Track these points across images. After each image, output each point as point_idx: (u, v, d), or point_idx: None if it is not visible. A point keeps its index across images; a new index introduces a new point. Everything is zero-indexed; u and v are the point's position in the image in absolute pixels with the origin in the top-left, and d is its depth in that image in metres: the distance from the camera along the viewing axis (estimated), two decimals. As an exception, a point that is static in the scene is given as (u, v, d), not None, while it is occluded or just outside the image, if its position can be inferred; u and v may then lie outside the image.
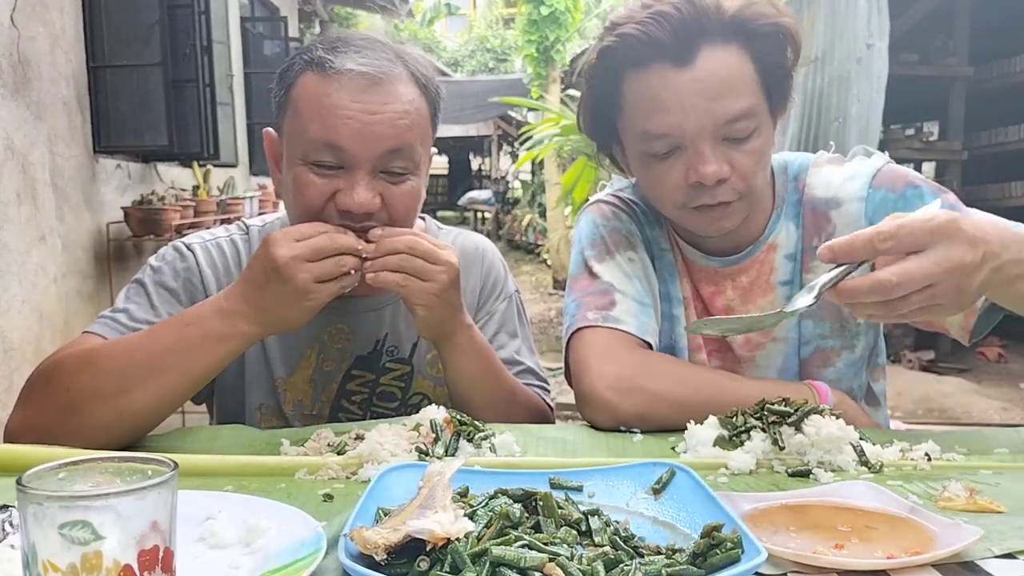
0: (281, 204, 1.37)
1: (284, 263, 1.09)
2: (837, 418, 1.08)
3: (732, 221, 1.27)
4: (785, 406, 1.08)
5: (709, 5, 1.19)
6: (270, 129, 1.31)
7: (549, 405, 1.43)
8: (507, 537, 0.71)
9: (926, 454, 1.03)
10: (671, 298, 1.40)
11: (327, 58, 1.20)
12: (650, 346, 1.31)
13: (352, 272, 1.14)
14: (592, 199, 1.49)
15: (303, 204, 1.22)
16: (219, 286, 1.34)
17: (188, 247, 1.36)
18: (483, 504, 0.80)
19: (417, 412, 1.38)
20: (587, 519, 0.79)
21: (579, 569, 0.66)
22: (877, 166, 1.34)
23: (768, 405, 1.09)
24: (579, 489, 0.90)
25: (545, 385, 1.47)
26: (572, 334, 1.32)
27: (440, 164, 25.88)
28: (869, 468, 1.00)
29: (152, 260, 1.36)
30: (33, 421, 1.12)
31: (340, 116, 1.17)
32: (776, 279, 1.37)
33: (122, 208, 4.76)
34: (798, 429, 1.05)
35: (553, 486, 0.90)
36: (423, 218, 1.53)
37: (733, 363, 1.39)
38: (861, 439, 1.05)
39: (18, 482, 0.54)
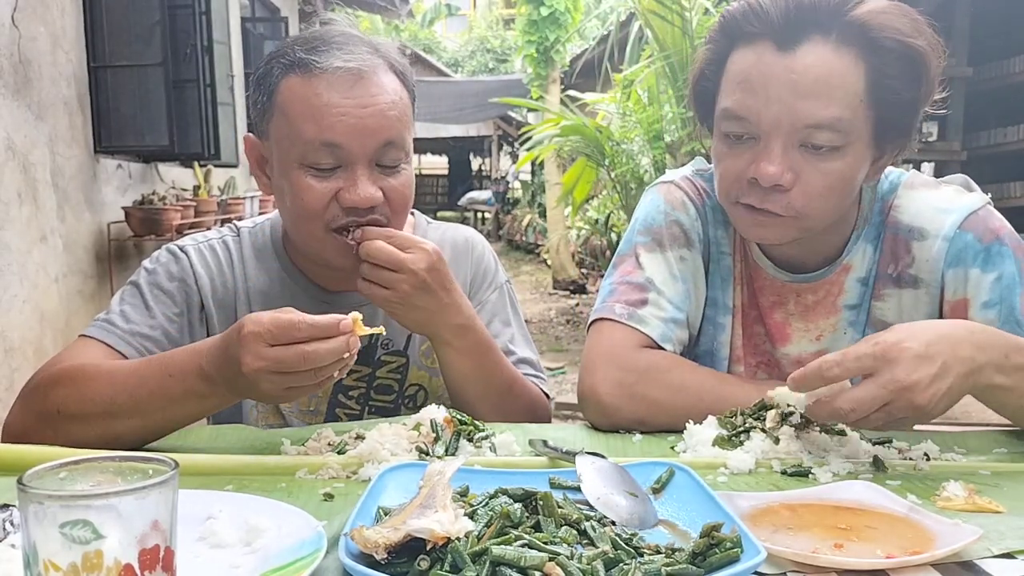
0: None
1: (248, 372, 0.99)
2: (836, 423, 1.08)
3: (775, 235, 1.19)
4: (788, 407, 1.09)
5: None
6: (250, 135, 1.30)
7: (546, 394, 1.43)
8: (507, 536, 0.71)
9: (925, 454, 1.03)
10: (719, 304, 1.35)
11: (310, 59, 1.19)
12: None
13: (336, 374, 1.02)
14: (668, 175, 1.41)
15: (305, 208, 1.21)
16: (212, 288, 1.34)
17: (182, 249, 1.36)
18: (483, 504, 0.81)
19: (414, 403, 1.40)
20: (586, 519, 0.79)
21: (579, 568, 0.66)
22: (974, 207, 1.23)
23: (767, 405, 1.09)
24: (579, 489, 0.90)
25: (540, 375, 1.46)
26: (595, 321, 1.30)
27: (440, 164, 25.89)
28: (877, 468, 1.00)
29: (146, 263, 1.36)
30: (27, 427, 1.14)
31: (334, 114, 1.18)
32: (843, 302, 1.30)
33: (123, 208, 4.77)
34: (799, 430, 1.05)
35: (553, 486, 0.90)
36: (412, 213, 1.50)
37: (780, 380, 1.34)
38: (861, 439, 1.06)
39: (19, 481, 0.55)
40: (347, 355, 1.00)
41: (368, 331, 1.02)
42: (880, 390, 0.94)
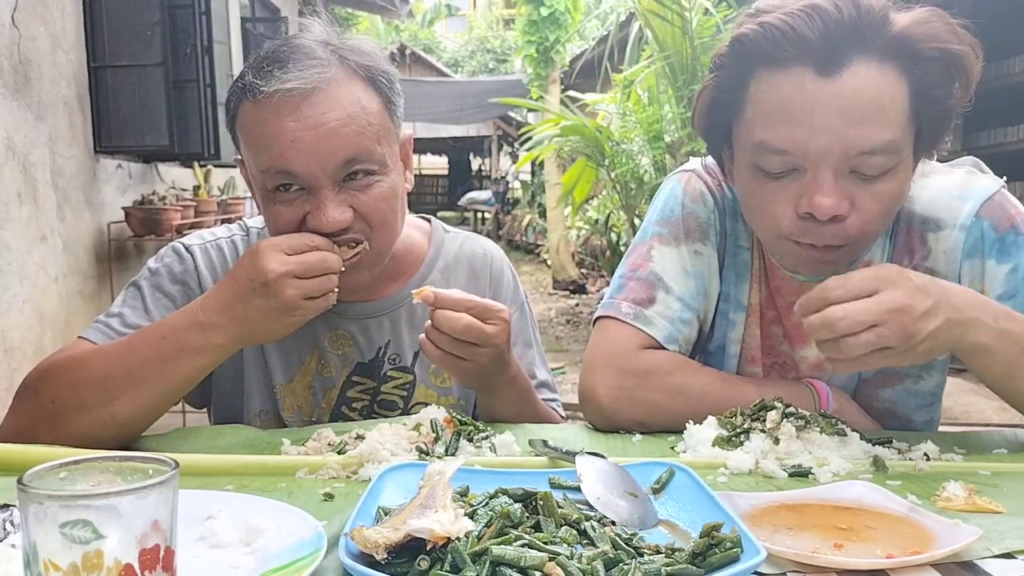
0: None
1: (274, 278, 1.05)
2: (837, 423, 1.08)
3: (837, 266, 1.13)
4: (786, 408, 1.09)
5: (876, 13, 1.02)
6: (238, 157, 1.28)
7: (562, 416, 1.43)
8: (507, 536, 0.71)
9: (925, 454, 1.03)
10: (732, 300, 1.31)
11: (255, 83, 1.14)
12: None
13: (334, 291, 1.13)
14: (690, 164, 1.36)
15: (278, 232, 1.19)
16: None
17: (187, 248, 1.35)
18: (483, 503, 0.81)
19: None
20: (586, 519, 0.79)
21: (579, 568, 0.66)
22: (989, 191, 1.19)
23: (766, 405, 1.09)
24: (579, 489, 0.90)
25: (557, 397, 1.46)
26: (600, 318, 1.29)
27: (440, 164, 25.89)
28: (877, 468, 1.00)
29: (151, 262, 1.35)
30: (22, 429, 1.13)
31: (283, 141, 1.13)
32: None
33: (123, 208, 4.77)
34: (799, 431, 1.05)
35: (553, 486, 0.90)
36: (428, 219, 1.50)
37: (796, 380, 1.29)
38: (861, 439, 1.06)
39: (19, 481, 0.55)
40: (341, 269, 1.12)
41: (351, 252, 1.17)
42: (876, 306, 0.95)
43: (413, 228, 1.44)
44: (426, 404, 1.38)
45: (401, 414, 1.37)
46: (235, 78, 1.21)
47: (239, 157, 1.26)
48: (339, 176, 1.16)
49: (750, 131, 1.10)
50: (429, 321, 1.13)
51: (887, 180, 1.07)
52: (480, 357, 1.14)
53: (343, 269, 1.13)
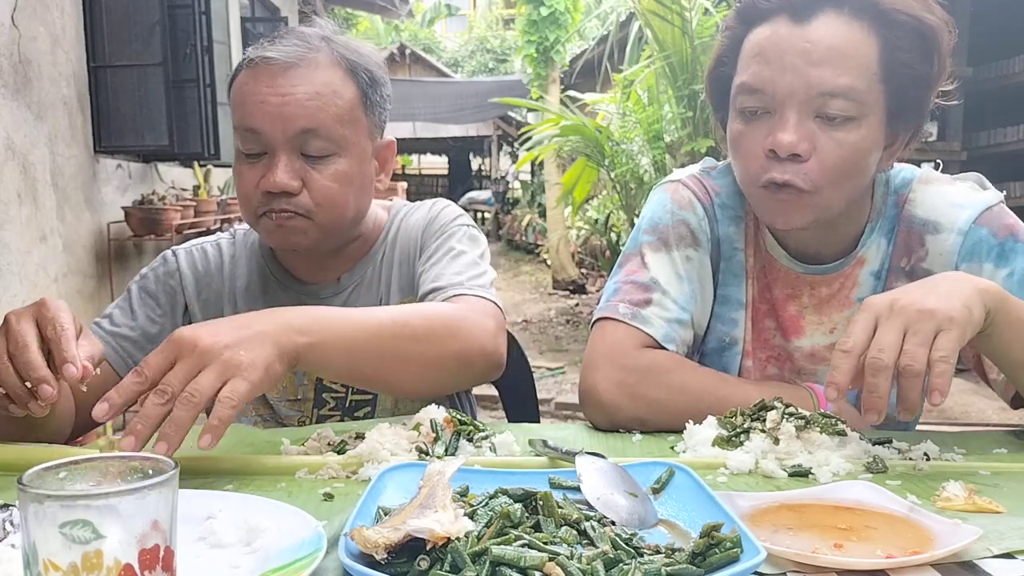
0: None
1: None
2: (837, 423, 1.08)
3: (798, 217, 1.18)
4: (786, 408, 1.09)
5: None
6: None
7: (498, 306, 1.29)
8: (507, 536, 0.71)
9: (925, 454, 1.03)
10: (732, 301, 1.34)
11: (250, 55, 1.28)
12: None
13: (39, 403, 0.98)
14: (676, 175, 1.41)
15: (240, 193, 1.31)
16: (197, 289, 1.42)
17: (174, 253, 1.45)
18: (483, 503, 0.81)
19: None
20: (586, 519, 0.79)
21: (579, 568, 0.66)
22: (989, 202, 1.25)
23: (766, 405, 1.09)
24: (579, 489, 0.90)
25: (473, 292, 1.28)
26: (598, 320, 1.30)
27: (440, 164, 25.90)
28: (869, 469, 1.00)
29: (144, 268, 1.45)
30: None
31: (254, 101, 1.25)
32: (856, 295, 1.30)
33: (123, 208, 4.77)
34: (799, 431, 1.05)
35: (553, 486, 0.90)
36: (392, 200, 1.54)
37: (792, 373, 1.34)
38: (861, 439, 1.06)
39: (19, 481, 0.55)
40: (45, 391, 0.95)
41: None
42: (892, 318, 0.94)
43: (380, 209, 1.49)
44: None
45: None
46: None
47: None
48: (295, 144, 1.25)
49: (736, 79, 1.21)
50: None
51: (850, 130, 1.14)
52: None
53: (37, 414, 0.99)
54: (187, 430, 0.90)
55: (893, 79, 1.14)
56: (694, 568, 0.68)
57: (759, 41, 1.17)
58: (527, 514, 0.78)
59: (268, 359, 0.96)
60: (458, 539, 0.68)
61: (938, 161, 1.38)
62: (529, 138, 8.38)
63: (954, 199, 1.26)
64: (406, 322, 1.14)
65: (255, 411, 1.41)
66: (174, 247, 1.46)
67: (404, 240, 1.43)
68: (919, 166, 1.38)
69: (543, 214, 12.96)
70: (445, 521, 0.69)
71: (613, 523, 0.80)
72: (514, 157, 16.84)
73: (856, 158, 1.16)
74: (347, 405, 1.41)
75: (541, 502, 0.79)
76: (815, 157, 1.14)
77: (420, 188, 23.75)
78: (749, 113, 1.18)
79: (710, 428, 1.09)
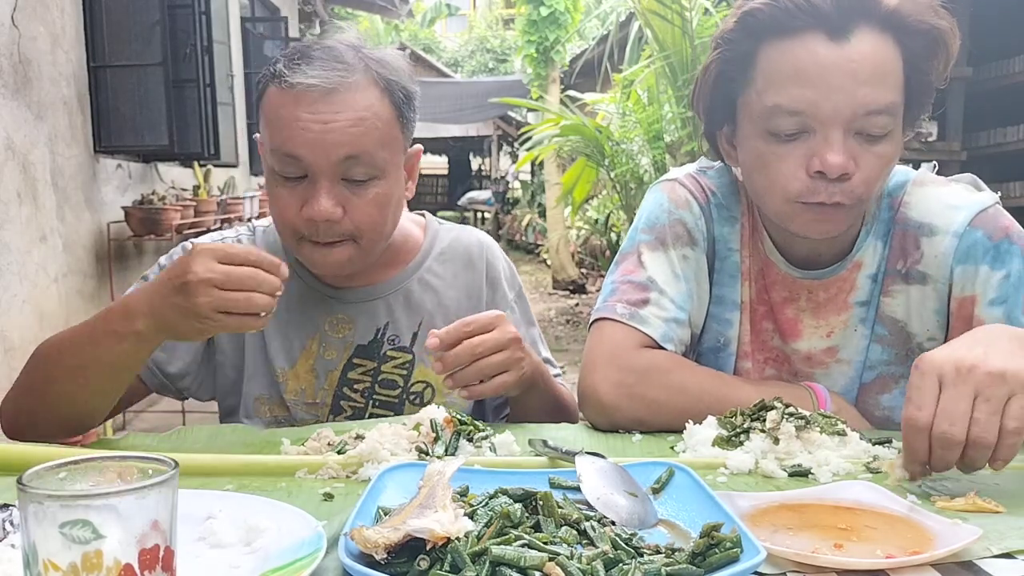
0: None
1: (193, 280, 1.04)
2: (837, 423, 1.08)
3: (838, 227, 1.19)
4: (786, 407, 1.09)
5: None
6: (258, 135, 1.34)
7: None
8: (507, 537, 0.71)
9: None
10: (727, 302, 1.34)
11: (284, 72, 1.23)
12: None
13: (262, 315, 1.08)
14: (672, 173, 1.40)
15: (277, 214, 1.29)
16: None
17: (192, 243, 1.39)
18: (483, 503, 0.81)
19: (420, 399, 1.42)
20: (586, 519, 0.79)
21: (579, 568, 0.66)
22: (984, 204, 1.24)
23: (766, 405, 1.09)
24: (579, 489, 0.90)
25: (560, 371, 1.51)
26: (596, 320, 1.31)
27: (440, 164, 25.87)
28: (869, 469, 1.00)
29: (162, 258, 1.42)
30: (14, 398, 1.25)
31: (295, 128, 1.22)
32: (854, 298, 1.29)
33: (123, 208, 4.76)
34: (799, 431, 1.05)
35: (553, 486, 0.90)
36: (423, 215, 1.55)
37: (789, 375, 1.33)
38: (861, 439, 1.06)
39: (18, 481, 0.55)
40: (277, 294, 1.07)
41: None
42: (960, 384, 0.88)
43: (409, 221, 1.50)
44: (425, 382, 1.42)
45: (401, 392, 1.42)
46: (267, 65, 1.30)
47: (259, 136, 1.33)
48: (338, 171, 1.23)
49: (761, 98, 1.16)
50: (441, 365, 1.16)
51: (887, 142, 1.14)
52: (515, 360, 1.19)
53: (278, 293, 1.09)
54: None
55: (909, 86, 1.15)
56: (694, 568, 0.68)
57: (795, 63, 1.12)
58: (527, 514, 0.78)
59: None
60: (458, 539, 0.68)
61: (935, 162, 1.36)
62: (529, 138, 8.38)
63: (949, 201, 1.25)
64: None
65: (271, 412, 1.40)
66: (194, 240, 1.40)
67: (455, 265, 1.47)
68: (918, 167, 1.38)
69: (543, 214, 12.96)
70: (445, 521, 0.69)
71: (613, 523, 0.80)
72: (514, 157, 16.84)
73: (890, 168, 1.18)
74: (366, 416, 1.40)
75: (541, 502, 0.79)
76: (858, 173, 1.13)
77: (420, 188, 23.50)
78: (785, 136, 1.15)
79: (710, 428, 1.09)
